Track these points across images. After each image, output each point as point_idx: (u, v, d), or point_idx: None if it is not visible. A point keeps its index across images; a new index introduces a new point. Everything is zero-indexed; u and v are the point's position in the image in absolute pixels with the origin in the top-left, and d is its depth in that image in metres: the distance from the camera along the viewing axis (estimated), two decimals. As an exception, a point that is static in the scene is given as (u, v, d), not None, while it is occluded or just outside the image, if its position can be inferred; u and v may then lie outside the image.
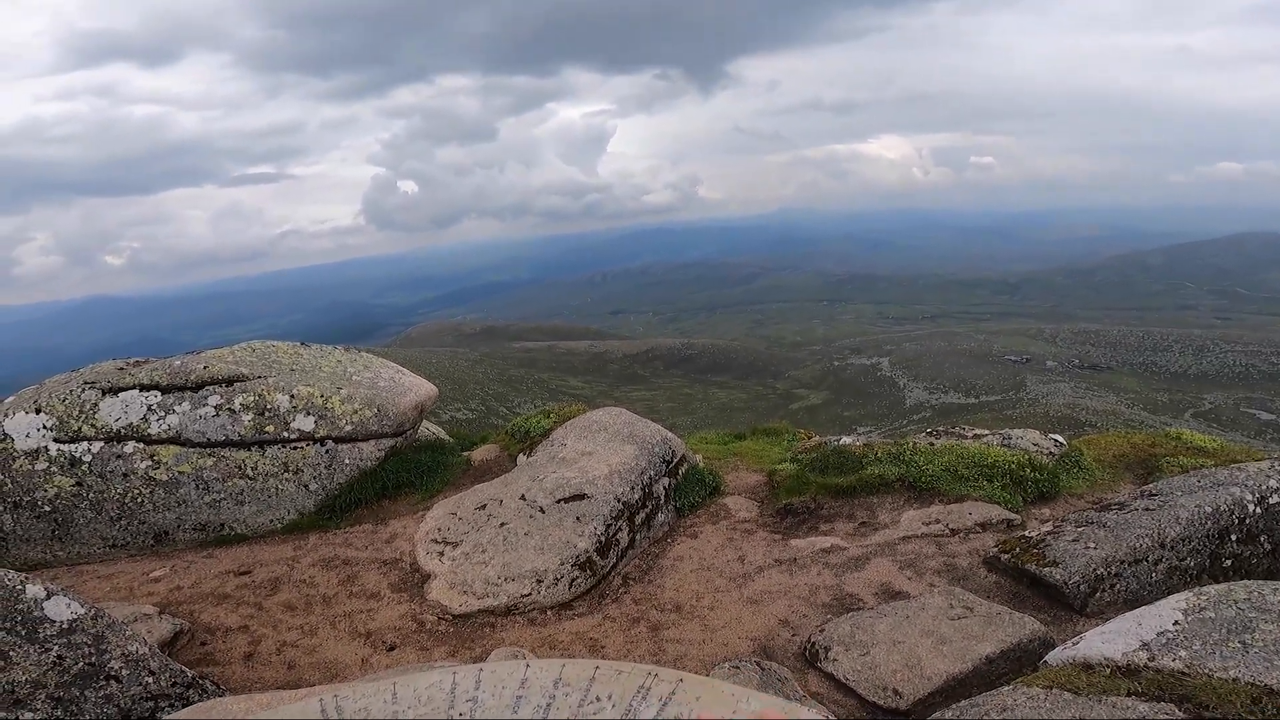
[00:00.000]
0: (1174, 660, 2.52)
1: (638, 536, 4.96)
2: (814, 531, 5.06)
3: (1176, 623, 2.74)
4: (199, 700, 3.14)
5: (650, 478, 5.30)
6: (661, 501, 5.35)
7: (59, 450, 5.42)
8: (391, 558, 4.83)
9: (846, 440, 6.77)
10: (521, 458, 6.08)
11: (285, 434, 5.72)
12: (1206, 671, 2.41)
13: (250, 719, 0.94)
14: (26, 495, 5.32)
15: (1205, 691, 2.26)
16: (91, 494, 5.36)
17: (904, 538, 4.79)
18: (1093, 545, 4.03)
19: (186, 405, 5.67)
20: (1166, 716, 2.15)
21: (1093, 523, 4.32)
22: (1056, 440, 6.20)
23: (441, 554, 4.65)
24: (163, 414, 5.62)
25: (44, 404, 5.54)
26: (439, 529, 4.92)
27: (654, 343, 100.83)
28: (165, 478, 5.45)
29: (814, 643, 3.58)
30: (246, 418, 5.70)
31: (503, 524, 4.75)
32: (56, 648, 3.00)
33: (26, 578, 3.10)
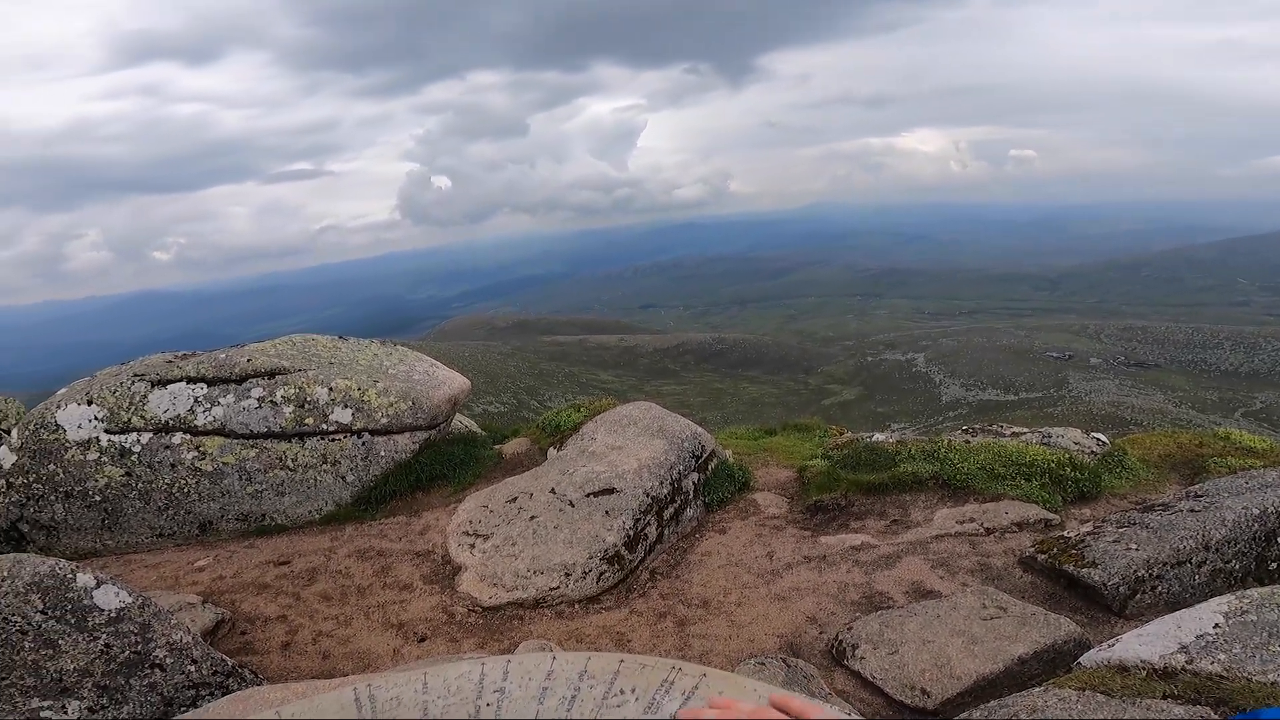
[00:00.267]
0: (1212, 663, 2.46)
1: (666, 531, 4.98)
2: (844, 529, 5.03)
3: (1217, 625, 2.67)
4: (238, 689, 3.15)
5: (679, 473, 5.32)
6: (690, 496, 5.37)
7: (109, 441, 5.60)
8: (424, 549, 4.92)
9: (879, 437, 6.70)
10: (552, 451, 6.15)
11: (324, 426, 5.86)
12: (1245, 675, 2.35)
13: (286, 707, 0.98)
14: (78, 485, 5.50)
15: (1243, 695, 2.21)
16: (140, 484, 5.54)
17: (937, 536, 4.72)
18: (1134, 546, 3.94)
19: (231, 397, 5.84)
20: (1202, 719, 2.11)
21: (1135, 523, 4.21)
22: (1099, 439, 6.04)
23: (472, 546, 4.73)
24: (208, 406, 5.79)
25: (95, 396, 5.73)
26: (470, 521, 5.00)
27: (685, 337, 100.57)
28: (210, 468, 5.62)
29: (841, 640, 3.57)
30: (287, 410, 5.85)
31: (533, 517, 4.81)
32: (104, 636, 3.02)
33: (77, 566, 3.13)
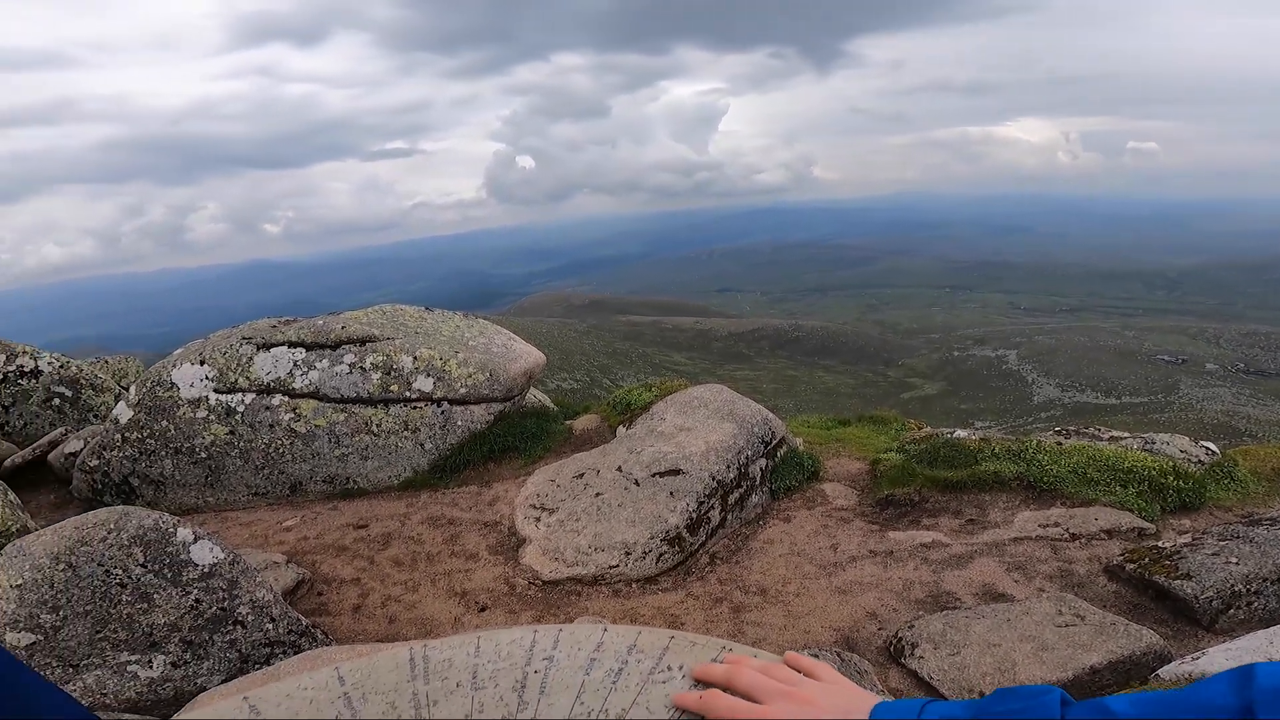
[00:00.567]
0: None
1: (729, 516, 4.98)
2: (915, 525, 4.88)
3: (1319, 650, 2.46)
4: (309, 649, 3.20)
5: (747, 458, 5.29)
6: (757, 482, 5.33)
7: (217, 400, 5.95)
8: (492, 520, 5.05)
9: (961, 434, 6.44)
10: (621, 429, 6.23)
11: (407, 394, 6.13)
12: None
13: (344, 664, 1.03)
14: (187, 442, 5.84)
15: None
16: (241, 442, 5.87)
17: (1015, 539, 4.52)
18: (1234, 560, 3.66)
19: (325, 362, 6.17)
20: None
21: (1239, 537, 3.91)
22: (1208, 448, 5.61)
23: (538, 520, 4.85)
24: (305, 370, 6.10)
25: (207, 356, 6.13)
26: (538, 495, 5.13)
27: (760, 322, 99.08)
28: (304, 430, 5.93)
29: (901, 638, 3.48)
30: (375, 376, 6.14)
31: (598, 494, 4.90)
32: (195, 591, 3.06)
33: (178, 521, 3.20)
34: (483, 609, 4.06)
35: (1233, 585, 3.53)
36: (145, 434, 5.91)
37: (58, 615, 2.87)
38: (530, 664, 0.94)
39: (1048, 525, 4.62)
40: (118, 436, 5.91)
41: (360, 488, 5.91)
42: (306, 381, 6.08)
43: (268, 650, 3.16)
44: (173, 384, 6.02)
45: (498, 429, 6.29)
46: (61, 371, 7.59)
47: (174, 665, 2.98)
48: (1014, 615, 3.47)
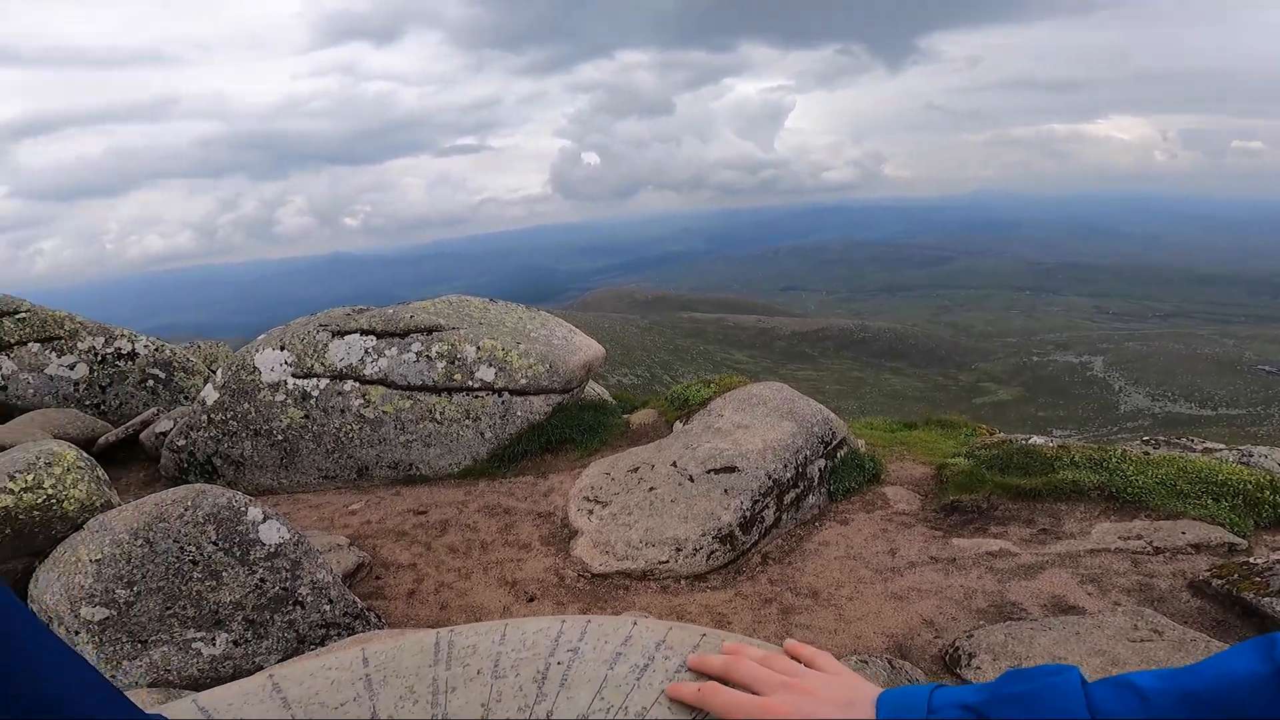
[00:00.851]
0: None
1: (784, 516, 4.89)
2: (982, 533, 4.67)
3: None
4: (363, 631, 3.22)
5: (805, 457, 5.18)
6: (814, 483, 5.22)
7: (295, 384, 6.20)
8: (546, 511, 5.09)
9: (1038, 440, 6.13)
10: (678, 425, 6.20)
11: (470, 383, 6.28)
12: None
13: (371, 645, 1.02)
14: (265, 424, 6.11)
15: None
16: (315, 426, 6.10)
17: (1092, 550, 4.26)
18: (1338, 589, 3.35)
19: (394, 350, 6.38)
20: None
21: (1344, 564, 3.58)
22: (1312, 466, 5.16)
23: (590, 512, 4.87)
24: (375, 357, 6.31)
25: (287, 342, 6.41)
26: (592, 487, 5.16)
27: (825, 322, 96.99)
28: (372, 416, 6.15)
29: (958, 647, 3.33)
30: (440, 365, 6.31)
31: (651, 488, 4.89)
32: (261, 571, 3.10)
33: (250, 500, 3.23)
34: (531, 599, 4.08)
35: (1334, 610, 3.23)
36: (229, 415, 6.24)
37: (132, 591, 2.92)
38: (554, 655, 0.91)
39: (1129, 538, 4.35)
40: (204, 418, 6.27)
41: (422, 474, 6.07)
42: (376, 368, 6.29)
43: (323, 631, 3.20)
44: (255, 368, 6.33)
45: (555, 420, 6.36)
46: (156, 354, 8.12)
47: (235, 643, 3.02)
48: (1084, 628, 3.27)
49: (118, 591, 2.90)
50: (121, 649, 2.88)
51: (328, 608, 3.23)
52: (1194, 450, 5.58)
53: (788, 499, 4.93)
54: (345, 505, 5.47)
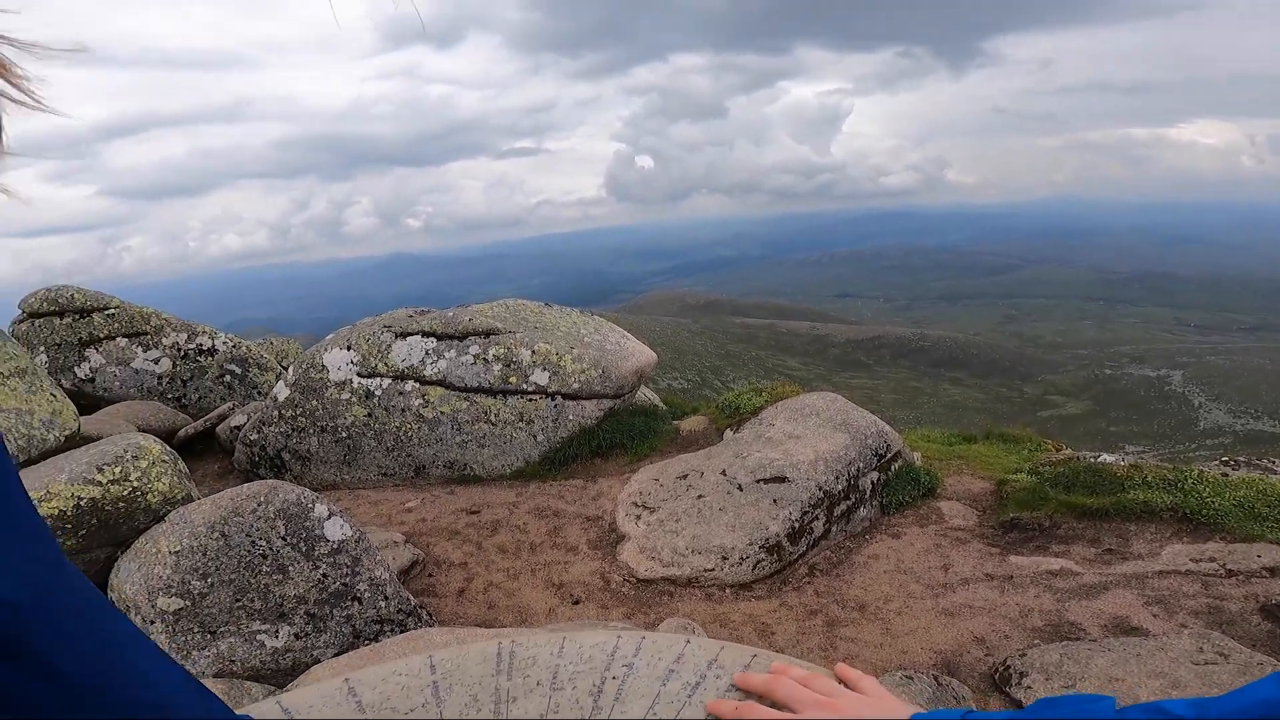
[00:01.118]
0: None
1: (834, 528, 4.83)
2: (1042, 551, 4.52)
3: None
4: (414, 628, 3.28)
5: (858, 469, 5.12)
6: (866, 496, 5.14)
7: (359, 383, 6.45)
8: (594, 514, 5.15)
9: (1107, 458, 5.89)
10: (728, 433, 6.20)
11: (524, 386, 6.42)
12: None
13: (438, 652, 1.08)
14: (331, 421, 6.36)
15: None
16: (376, 424, 6.32)
17: (1160, 572, 4.08)
18: None
19: (453, 352, 6.57)
20: None
21: None
22: None
23: (638, 518, 4.92)
24: (435, 358, 6.51)
25: (353, 342, 6.67)
26: (640, 493, 5.21)
27: (882, 330, 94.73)
28: (430, 416, 6.34)
29: (1009, 666, 3.24)
30: (496, 368, 6.47)
31: (700, 496, 4.91)
32: (324, 566, 3.16)
33: (318, 497, 3.30)
34: (576, 602, 4.13)
35: None
36: (298, 412, 6.54)
37: (206, 583, 3.00)
38: (610, 669, 0.95)
39: (1200, 560, 4.15)
40: (275, 413, 6.59)
41: (475, 474, 6.23)
42: (435, 370, 6.51)
43: (377, 627, 3.27)
44: (324, 366, 6.61)
45: (606, 425, 6.44)
46: (233, 351, 8.58)
47: (296, 636, 3.09)
48: (1146, 650, 3.14)
49: (193, 583, 3.00)
50: (192, 639, 2.97)
51: (383, 604, 3.30)
52: (1276, 472, 5.27)
53: (838, 511, 4.87)
54: (402, 502, 5.63)
